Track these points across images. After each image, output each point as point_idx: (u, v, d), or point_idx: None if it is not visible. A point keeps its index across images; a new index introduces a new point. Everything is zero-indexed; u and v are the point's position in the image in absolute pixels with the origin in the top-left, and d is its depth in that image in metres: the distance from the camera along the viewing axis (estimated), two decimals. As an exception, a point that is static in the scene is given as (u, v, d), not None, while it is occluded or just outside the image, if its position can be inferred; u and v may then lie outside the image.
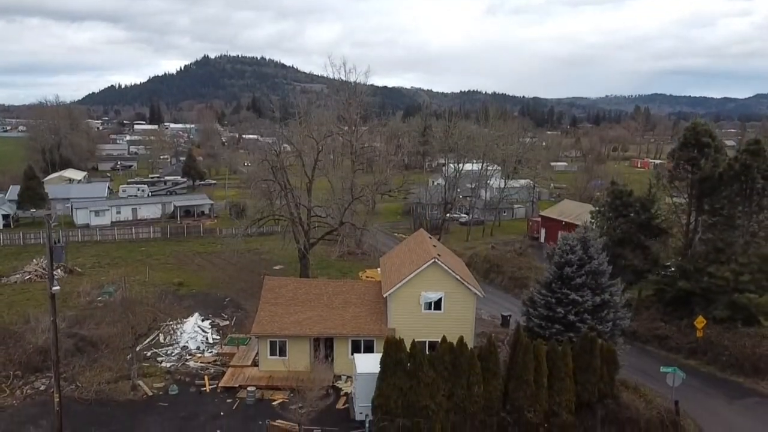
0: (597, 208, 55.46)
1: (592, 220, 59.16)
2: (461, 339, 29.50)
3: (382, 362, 28.98)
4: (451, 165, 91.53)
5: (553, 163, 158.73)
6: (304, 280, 39.72)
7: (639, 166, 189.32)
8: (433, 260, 34.83)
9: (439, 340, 35.18)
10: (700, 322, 42.04)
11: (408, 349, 29.11)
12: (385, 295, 35.66)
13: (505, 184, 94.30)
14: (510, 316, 49.76)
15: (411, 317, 35.70)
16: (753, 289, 41.97)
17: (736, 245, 43.65)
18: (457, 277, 35.03)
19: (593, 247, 32.67)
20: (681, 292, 45.53)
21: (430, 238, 42.05)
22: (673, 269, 49.57)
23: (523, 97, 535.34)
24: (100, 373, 36.82)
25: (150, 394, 34.06)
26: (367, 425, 28.66)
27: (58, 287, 27.17)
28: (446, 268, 34.88)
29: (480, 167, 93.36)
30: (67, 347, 39.04)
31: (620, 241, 52.16)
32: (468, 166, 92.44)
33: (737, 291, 42.31)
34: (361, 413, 30.29)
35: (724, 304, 42.49)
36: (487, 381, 29.05)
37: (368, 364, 30.92)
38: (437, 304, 35.72)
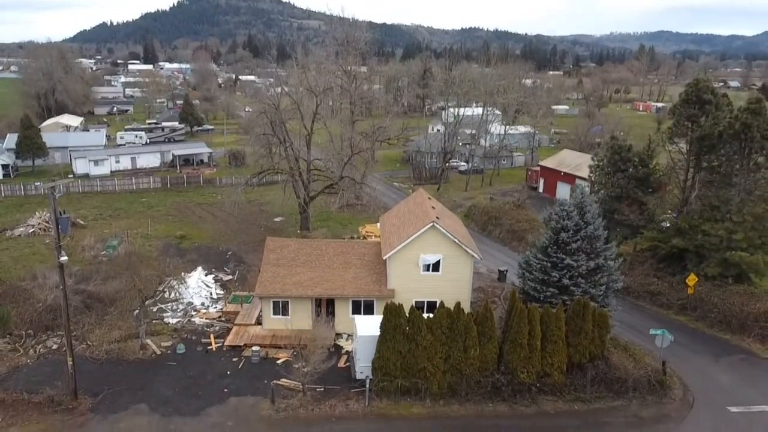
0: (596, 162, 55.64)
1: (591, 175, 59.63)
2: (458, 304, 30.44)
3: (382, 327, 30.06)
4: (451, 110, 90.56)
5: (554, 107, 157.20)
6: (305, 241, 40.38)
7: (641, 109, 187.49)
8: (431, 224, 35.40)
9: (438, 300, 36.52)
10: (691, 279, 43.12)
11: (407, 315, 30.09)
12: (384, 258, 36.43)
13: (505, 132, 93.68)
14: (506, 270, 50.85)
15: (410, 278, 36.64)
16: (745, 247, 42.79)
17: (732, 203, 44.16)
18: (455, 240, 35.69)
19: (590, 212, 33.16)
20: (675, 249, 46.39)
21: (429, 198, 42.43)
22: (668, 225, 50.34)
23: (526, 34, 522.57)
24: (110, 331, 38.02)
25: (158, 353, 35.36)
26: (367, 385, 29.97)
27: (65, 258, 27.84)
28: (444, 231, 35.49)
29: (481, 113, 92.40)
30: (75, 305, 40.10)
31: (617, 196, 52.77)
32: (468, 112, 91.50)
33: (730, 249, 43.16)
34: (361, 373, 31.62)
35: (716, 262, 43.43)
36: (482, 344, 30.22)
37: (368, 326, 32.02)
38: (435, 266, 36.56)
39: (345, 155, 60.22)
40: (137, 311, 37.20)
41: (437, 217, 36.76)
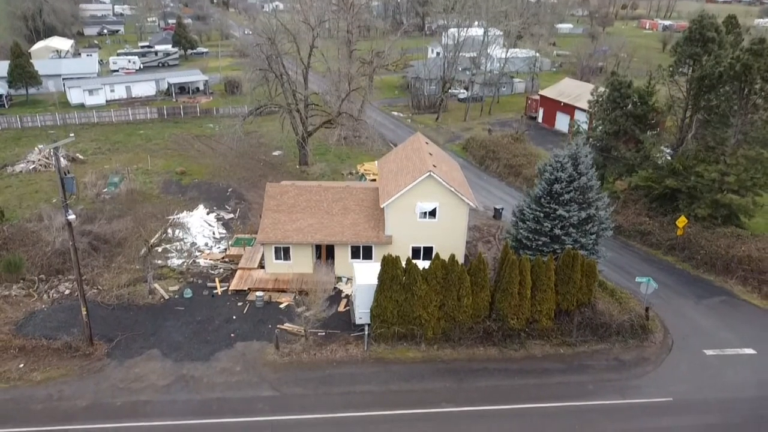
0: (595, 98, 55.32)
1: (590, 110, 59.44)
2: (453, 256, 31.68)
3: (380, 278, 31.45)
4: (452, 30, 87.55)
5: (558, 25, 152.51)
6: (304, 187, 41.05)
7: (647, 27, 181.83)
8: (428, 173, 36.02)
9: (434, 245, 37.89)
10: (681, 221, 44.29)
11: (403, 266, 31.40)
12: (382, 206, 37.33)
13: (506, 57, 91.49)
14: (502, 209, 51.94)
15: (407, 225, 37.73)
16: (736, 189, 43.67)
17: (727, 144, 44.55)
18: (452, 189, 36.45)
19: (583, 163, 33.70)
20: (667, 189, 47.24)
21: (427, 143, 42.73)
22: (667, 156, 50.91)
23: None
24: (118, 275, 39.60)
25: (166, 297, 37.03)
26: (366, 331, 31.79)
27: (73, 216, 28.71)
28: (441, 180, 36.18)
29: (482, 34, 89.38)
30: (82, 247, 41.38)
31: (615, 132, 52.99)
32: (471, 32, 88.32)
33: (721, 191, 44.06)
34: (360, 318, 33.38)
35: (707, 203, 44.43)
36: (475, 293, 31.75)
37: (367, 275, 33.43)
38: (432, 213, 37.55)
39: (343, 91, 59.59)
40: (143, 252, 38.34)
41: (434, 165, 37.34)
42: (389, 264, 31.19)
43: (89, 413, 27.17)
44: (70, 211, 28.40)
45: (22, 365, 30.30)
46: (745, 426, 27.10)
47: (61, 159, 64.33)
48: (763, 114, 44.43)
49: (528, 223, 34.66)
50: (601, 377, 30.16)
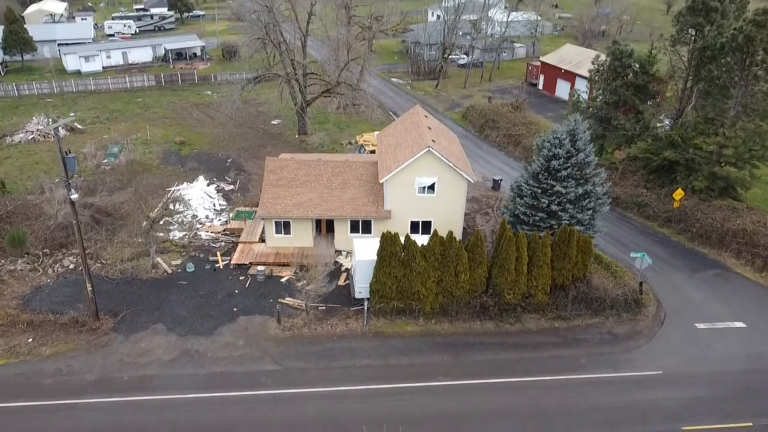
0: (596, 67, 54.91)
1: (590, 80, 59.01)
2: (450, 233, 32.12)
3: (379, 254, 31.99)
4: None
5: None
6: (303, 161, 41.19)
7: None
8: (427, 149, 36.18)
9: (432, 220, 38.38)
10: (678, 194, 44.63)
11: (402, 242, 31.90)
12: (381, 181, 37.59)
13: (507, 21, 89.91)
14: (501, 180, 52.21)
15: (406, 200, 38.09)
16: (734, 162, 43.86)
17: (727, 116, 44.50)
18: (450, 164, 36.67)
19: (581, 140, 33.83)
20: (666, 161, 47.42)
21: (426, 116, 42.69)
22: (666, 125, 50.93)
23: None
24: (121, 249, 40.18)
25: (169, 271, 37.65)
26: (365, 306, 32.52)
27: (76, 195, 29.06)
28: (439, 156, 36.36)
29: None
30: (85, 220, 41.92)
31: (615, 102, 52.88)
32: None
33: (719, 163, 44.26)
34: (360, 293, 34.08)
35: (704, 175, 44.68)
36: (473, 269, 32.35)
37: (366, 250, 33.95)
38: (431, 188, 37.87)
39: (342, 60, 59.06)
40: (147, 232, 38.84)
41: (433, 140, 37.46)
42: (388, 240, 31.67)
43: (98, 387, 28.07)
44: (72, 190, 28.72)
45: (30, 340, 31.12)
46: (731, 398, 28.03)
47: (61, 130, 64.38)
48: (763, 86, 44.22)
49: (525, 198, 35.02)
50: (595, 351, 31.01)
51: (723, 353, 30.95)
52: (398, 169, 36.81)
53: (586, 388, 28.58)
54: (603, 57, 55.06)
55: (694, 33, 47.12)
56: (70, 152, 28.57)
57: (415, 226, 38.82)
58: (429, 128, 39.95)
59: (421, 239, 33.82)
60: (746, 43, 42.04)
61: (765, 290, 36.65)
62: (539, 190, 34.53)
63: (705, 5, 45.97)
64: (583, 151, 34.09)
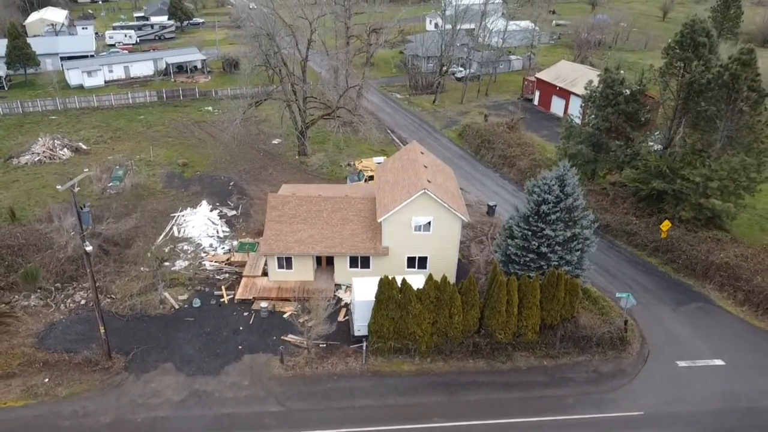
0: (588, 93, 56.44)
1: (583, 104, 60.51)
2: (444, 277, 33.85)
3: (377, 297, 33.72)
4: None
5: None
6: (304, 197, 42.78)
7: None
8: (423, 191, 37.83)
9: (428, 255, 40.14)
10: (665, 225, 46.35)
11: (399, 287, 33.63)
12: (379, 221, 39.25)
13: (505, 29, 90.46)
14: (495, 205, 53.86)
15: (403, 237, 39.76)
16: (718, 195, 45.52)
17: (713, 148, 46.11)
18: (445, 205, 38.33)
19: (569, 185, 35.46)
20: (654, 191, 49.10)
21: (422, 153, 44.29)
22: (655, 149, 52.56)
23: None
24: (129, 282, 41.77)
25: (176, 307, 39.34)
26: (364, 346, 34.27)
27: (90, 247, 30.69)
28: (434, 197, 38.02)
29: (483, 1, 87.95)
30: (94, 252, 43.23)
31: (607, 129, 54.49)
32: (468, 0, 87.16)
33: (705, 195, 45.92)
34: (359, 330, 35.85)
35: (691, 206, 46.39)
36: (466, 311, 34.10)
37: (365, 291, 35.65)
38: (426, 226, 39.54)
39: (341, 88, 60.64)
40: (155, 271, 40.32)
41: (428, 181, 39.09)
42: (386, 285, 33.40)
43: (114, 429, 29.83)
44: (87, 242, 30.34)
45: (47, 380, 32.84)
46: (708, 438, 29.91)
47: (66, 151, 65.90)
48: (748, 120, 45.84)
49: (517, 240, 36.69)
50: (581, 390, 32.82)
51: (702, 393, 32.73)
52: (395, 210, 38.48)
53: (572, 429, 30.38)
54: (595, 82, 56.55)
55: (682, 66, 48.66)
56: (84, 207, 30.16)
57: (411, 261, 40.57)
58: (425, 167, 41.56)
59: (417, 278, 35.56)
60: (732, 80, 43.66)
61: (745, 325, 38.45)
62: (530, 233, 36.21)
63: (693, 40, 47.48)
64: (572, 195, 35.71)
